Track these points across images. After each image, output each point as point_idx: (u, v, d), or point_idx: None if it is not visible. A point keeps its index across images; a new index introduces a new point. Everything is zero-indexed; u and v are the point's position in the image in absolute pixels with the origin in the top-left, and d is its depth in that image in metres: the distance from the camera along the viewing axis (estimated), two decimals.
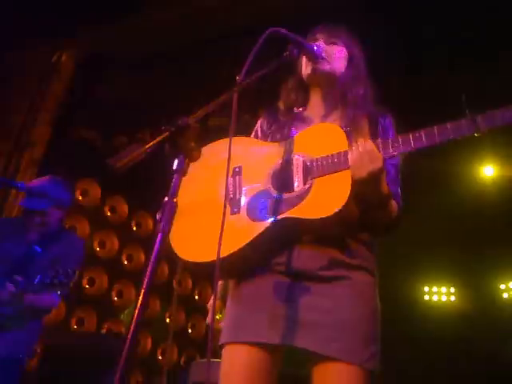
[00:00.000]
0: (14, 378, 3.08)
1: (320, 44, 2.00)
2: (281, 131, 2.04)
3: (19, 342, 3.09)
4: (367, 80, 2.07)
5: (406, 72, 4.62)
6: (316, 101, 2.10)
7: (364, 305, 1.78)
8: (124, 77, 5.25)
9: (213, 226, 1.71)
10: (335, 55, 2.04)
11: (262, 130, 2.13)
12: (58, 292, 3.07)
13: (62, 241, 3.29)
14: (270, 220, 1.75)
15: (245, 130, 2.11)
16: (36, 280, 2.87)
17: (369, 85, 2.06)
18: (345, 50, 2.07)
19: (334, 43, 2.06)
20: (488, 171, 6.16)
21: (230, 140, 1.61)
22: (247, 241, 1.75)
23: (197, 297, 6.94)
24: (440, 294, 7.78)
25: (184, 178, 1.37)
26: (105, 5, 4.43)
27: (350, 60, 2.07)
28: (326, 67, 2.01)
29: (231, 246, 1.73)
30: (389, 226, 1.88)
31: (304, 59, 2.06)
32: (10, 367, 3.06)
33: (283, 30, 1.82)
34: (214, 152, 1.94)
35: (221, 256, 1.50)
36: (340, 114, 2.01)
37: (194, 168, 1.42)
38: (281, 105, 2.15)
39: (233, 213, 1.84)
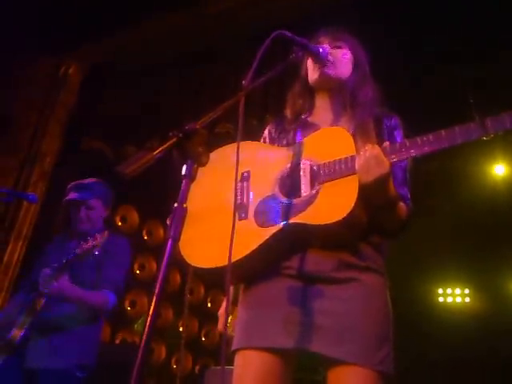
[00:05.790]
0: None
1: (325, 47, 1.99)
2: (287, 137, 2.04)
3: (68, 350, 2.92)
4: (373, 82, 2.07)
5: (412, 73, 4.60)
6: (323, 105, 2.09)
7: (375, 306, 1.77)
8: (132, 86, 5.27)
9: (221, 231, 1.71)
10: (341, 59, 2.03)
11: (269, 137, 2.13)
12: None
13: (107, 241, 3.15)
14: (278, 226, 1.75)
15: (252, 137, 2.11)
16: (70, 256, 2.80)
17: (375, 87, 2.06)
18: (350, 53, 2.06)
19: (339, 47, 2.05)
20: (499, 170, 6.13)
21: (238, 144, 1.60)
22: (255, 246, 1.75)
23: (209, 304, 6.92)
24: (454, 295, 7.71)
25: (192, 184, 1.37)
26: (111, 15, 4.46)
27: (356, 63, 2.07)
28: (333, 71, 2.00)
29: (239, 251, 1.71)
30: (398, 228, 1.87)
31: (310, 64, 2.06)
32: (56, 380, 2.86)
33: (288, 33, 1.82)
34: (222, 157, 1.94)
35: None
36: (348, 117, 2.00)
37: (201, 173, 1.41)
38: (287, 112, 2.15)
39: (241, 218, 1.83)
